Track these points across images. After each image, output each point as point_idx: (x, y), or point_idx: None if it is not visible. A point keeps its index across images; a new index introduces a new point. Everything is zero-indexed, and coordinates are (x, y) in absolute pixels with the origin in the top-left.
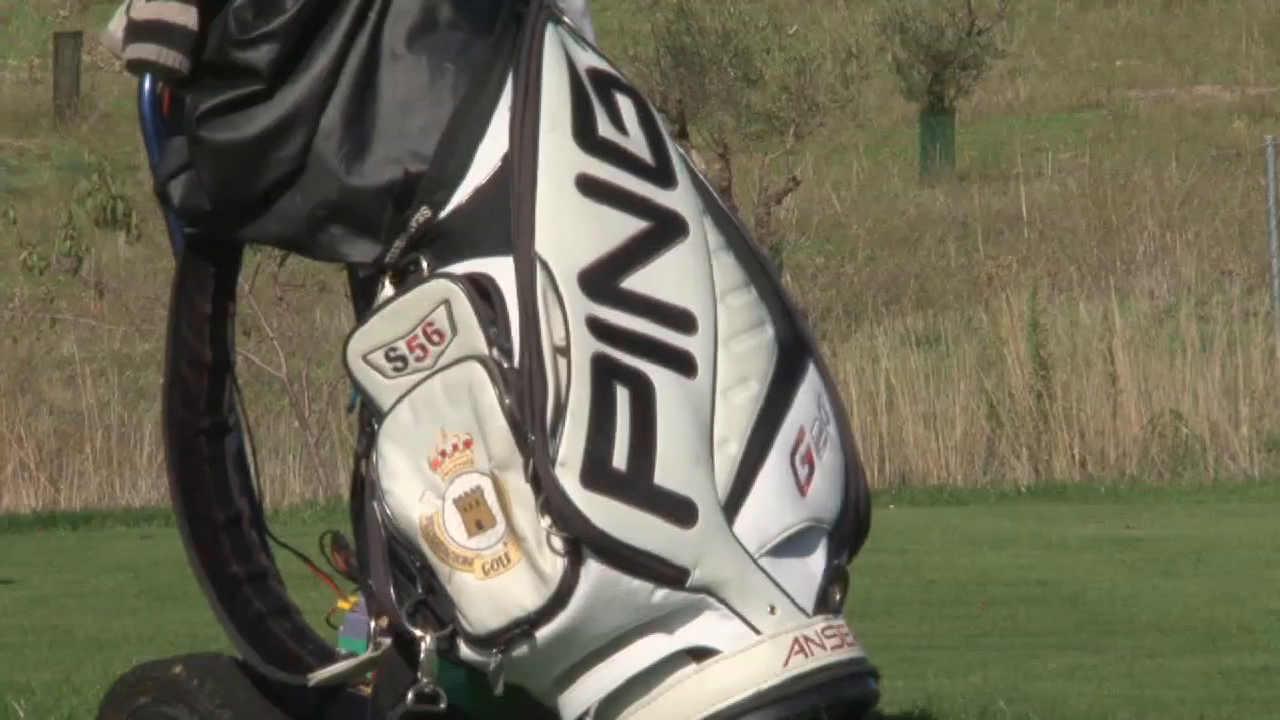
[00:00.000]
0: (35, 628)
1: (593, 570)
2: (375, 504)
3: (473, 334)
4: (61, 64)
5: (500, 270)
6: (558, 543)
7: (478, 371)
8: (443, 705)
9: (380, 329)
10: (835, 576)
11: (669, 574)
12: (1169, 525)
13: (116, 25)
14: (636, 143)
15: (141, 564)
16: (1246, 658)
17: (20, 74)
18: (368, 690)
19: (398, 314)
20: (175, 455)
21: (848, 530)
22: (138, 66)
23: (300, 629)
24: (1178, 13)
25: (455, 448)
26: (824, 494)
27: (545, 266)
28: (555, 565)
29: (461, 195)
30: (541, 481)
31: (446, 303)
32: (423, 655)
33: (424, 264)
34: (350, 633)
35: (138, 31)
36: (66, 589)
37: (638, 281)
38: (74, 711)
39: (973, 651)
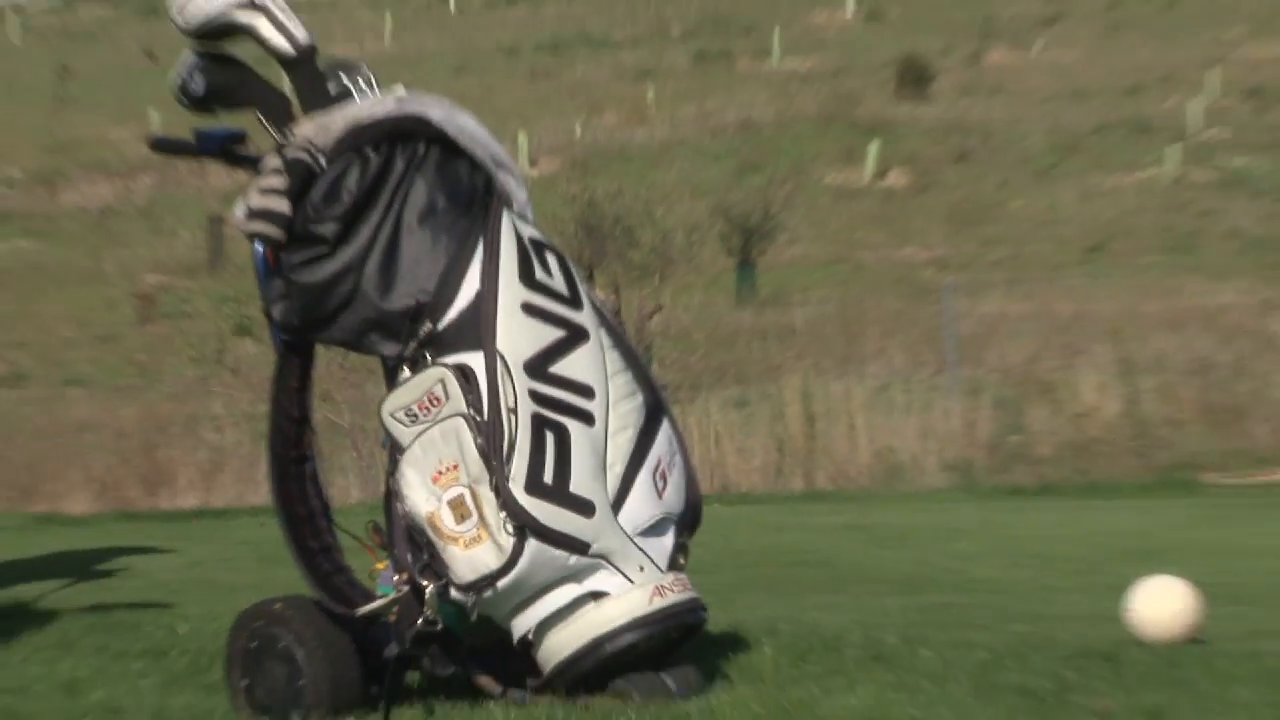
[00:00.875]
0: (193, 580)
1: (531, 545)
2: (398, 504)
3: (458, 400)
4: (212, 234)
5: (475, 361)
6: (510, 528)
7: (461, 424)
8: (439, 627)
9: (401, 397)
10: (680, 548)
11: (578, 547)
12: (886, 517)
13: (240, 210)
14: (558, 282)
15: (259, 540)
16: (932, 598)
17: (188, 240)
18: (394, 618)
19: (412, 388)
20: (276, 475)
21: (688, 520)
22: (253, 235)
23: (352, 581)
24: (892, 204)
25: (448, 469)
26: (673, 498)
27: (502, 359)
28: (508, 542)
29: (451, 315)
30: (500, 490)
31: (442, 381)
32: (428, 597)
33: (428, 357)
34: (383, 583)
35: (253, 215)
36: (213, 556)
37: (559, 367)
38: (216, 631)
39: (765, 595)
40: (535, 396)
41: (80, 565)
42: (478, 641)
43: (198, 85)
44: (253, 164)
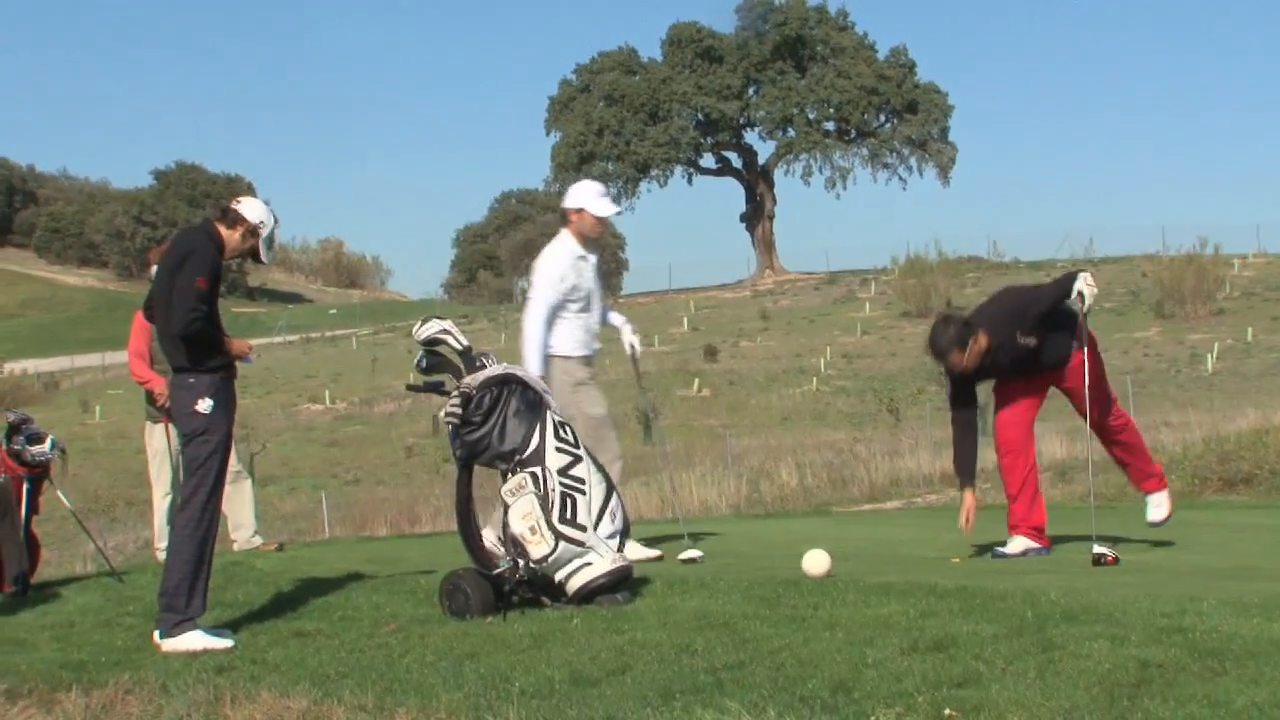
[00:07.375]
0: (427, 559)
1: (560, 544)
2: (508, 528)
3: (530, 487)
4: (434, 423)
5: (538, 470)
6: (550, 536)
7: (533, 496)
8: (525, 578)
9: (509, 486)
10: (621, 544)
11: (580, 545)
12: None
13: (441, 413)
14: (569, 437)
15: (451, 545)
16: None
17: (425, 426)
18: (507, 574)
19: (513, 483)
20: (459, 516)
21: (625, 533)
22: (447, 422)
23: (493, 558)
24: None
25: (526, 515)
26: (619, 524)
27: (547, 470)
28: (551, 543)
29: (527, 452)
30: (548, 522)
31: (525, 479)
32: (521, 565)
33: (518, 469)
34: (505, 561)
35: (447, 414)
36: (424, 554)
37: (572, 471)
38: (430, 587)
39: (652, 564)
40: (561, 484)
41: (383, 559)
42: (539, 583)
43: (424, 363)
44: (447, 394)
